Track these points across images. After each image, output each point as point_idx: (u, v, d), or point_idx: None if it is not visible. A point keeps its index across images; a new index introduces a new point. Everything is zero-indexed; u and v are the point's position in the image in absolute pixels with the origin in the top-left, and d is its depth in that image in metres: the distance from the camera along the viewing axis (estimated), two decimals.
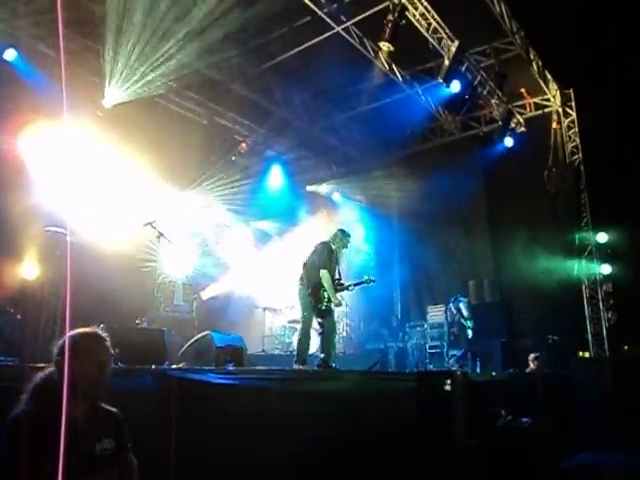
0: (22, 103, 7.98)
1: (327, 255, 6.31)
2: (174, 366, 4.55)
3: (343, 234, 6.63)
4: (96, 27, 8.15)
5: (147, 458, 2.39)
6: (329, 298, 6.17)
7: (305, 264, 6.29)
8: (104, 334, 2.32)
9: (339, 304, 6.33)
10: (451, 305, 10.07)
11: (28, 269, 7.40)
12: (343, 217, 12.47)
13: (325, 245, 6.44)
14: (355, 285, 6.75)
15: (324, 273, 6.14)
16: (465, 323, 9.76)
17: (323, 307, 6.18)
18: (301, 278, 6.24)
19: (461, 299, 9.99)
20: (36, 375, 2.26)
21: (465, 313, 9.82)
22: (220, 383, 3.41)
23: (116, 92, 8.79)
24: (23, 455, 1.96)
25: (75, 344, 2.22)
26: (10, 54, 7.96)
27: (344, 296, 7.17)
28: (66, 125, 8.20)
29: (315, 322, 6.33)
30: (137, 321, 7.67)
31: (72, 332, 2.27)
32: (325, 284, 6.12)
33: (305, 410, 3.89)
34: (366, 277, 6.87)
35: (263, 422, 3.54)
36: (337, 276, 6.50)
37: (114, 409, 2.33)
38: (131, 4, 7.67)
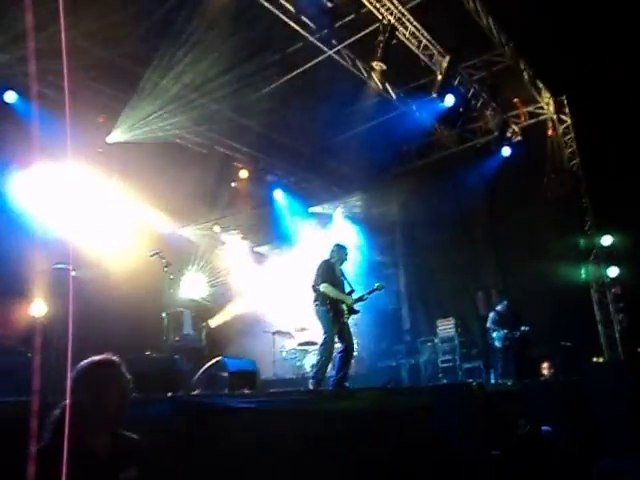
0: (24, 144, 8.09)
1: (324, 270, 6.37)
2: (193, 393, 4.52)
3: (339, 248, 6.70)
4: (101, 68, 8.34)
5: None
6: (349, 310, 6.21)
7: (313, 286, 6.33)
8: (119, 361, 2.31)
9: (352, 308, 6.34)
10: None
11: (37, 307, 7.42)
12: (347, 235, 12.52)
13: (322, 262, 6.51)
14: (369, 294, 6.75)
15: (325, 286, 6.19)
16: (492, 334, 9.50)
17: (344, 320, 6.22)
18: (315, 300, 6.27)
19: (498, 306, 9.57)
20: (53, 411, 2.25)
21: (491, 322, 9.52)
22: (239, 407, 3.38)
23: (122, 132, 9.05)
24: None
25: (91, 373, 2.22)
26: (10, 96, 8.10)
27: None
28: (68, 163, 8.35)
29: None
30: (147, 353, 7.64)
31: (87, 361, 2.27)
32: (332, 295, 6.16)
33: (324, 430, 3.86)
34: (377, 284, 6.88)
35: (283, 444, 3.51)
36: (349, 288, 6.54)
37: (135, 436, 2.30)
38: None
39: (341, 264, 6.61)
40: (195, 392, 4.59)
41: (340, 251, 6.65)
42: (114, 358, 2.31)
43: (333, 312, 6.13)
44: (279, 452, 3.48)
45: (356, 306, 6.48)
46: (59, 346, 8.15)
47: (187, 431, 3.19)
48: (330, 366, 6.49)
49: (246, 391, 4.55)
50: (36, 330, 7.17)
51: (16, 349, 7.16)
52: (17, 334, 7.34)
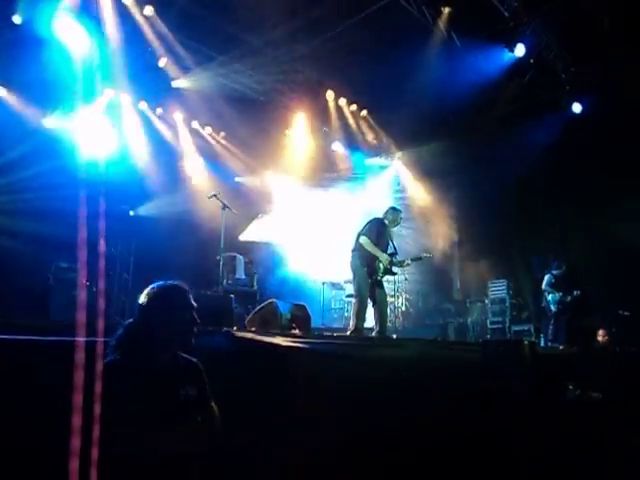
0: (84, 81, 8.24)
1: (373, 226, 6.40)
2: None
3: (394, 211, 6.74)
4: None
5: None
6: (384, 269, 6.22)
7: (358, 234, 6.38)
8: (188, 288, 2.39)
9: (389, 268, 6.34)
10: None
11: (101, 246, 7.80)
12: (401, 188, 12.37)
13: (376, 219, 6.55)
14: (412, 260, 6.82)
15: (363, 239, 6.20)
16: (547, 296, 9.26)
17: (378, 278, 6.24)
18: (353, 249, 6.31)
19: (554, 269, 9.39)
20: (116, 331, 2.34)
21: (546, 285, 9.26)
22: (289, 346, 3.47)
23: (188, 78, 9.33)
24: (114, 400, 2.06)
25: (164, 295, 2.31)
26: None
27: (399, 270, 7.25)
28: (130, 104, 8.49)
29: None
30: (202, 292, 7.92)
31: (160, 284, 2.34)
32: (369, 249, 6.17)
33: (373, 375, 3.92)
34: (424, 254, 6.95)
35: (332, 386, 3.60)
36: (391, 251, 6.54)
37: (194, 359, 2.41)
38: None
39: (394, 227, 6.62)
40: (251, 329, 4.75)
41: (395, 214, 6.69)
42: (182, 284, 2.39)
43: (367, 267, 6.14)
44: (328, 393, 3.57)
45: (394, 269, 6.50)
46: (120, 283, 8.61)
47: (240, 363, 3.32)
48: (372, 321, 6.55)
49: (297, 332, 4.67)
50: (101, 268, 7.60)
51: (84, 284, 7.58)
52: (85, 270, 7.76)
